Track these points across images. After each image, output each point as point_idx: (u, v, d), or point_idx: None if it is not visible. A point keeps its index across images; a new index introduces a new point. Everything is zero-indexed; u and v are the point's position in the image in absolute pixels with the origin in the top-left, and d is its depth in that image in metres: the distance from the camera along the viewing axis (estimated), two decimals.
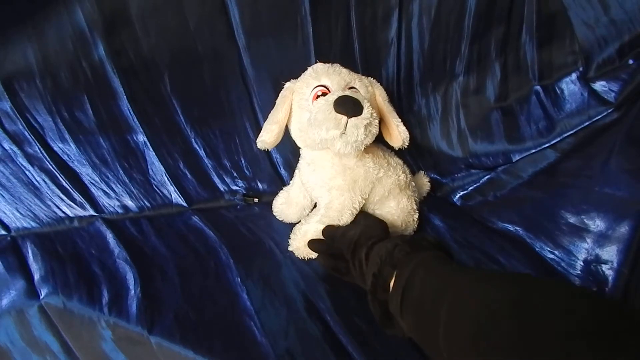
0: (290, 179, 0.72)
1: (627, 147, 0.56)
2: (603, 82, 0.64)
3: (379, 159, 0.60)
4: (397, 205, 0.62)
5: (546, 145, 0.69)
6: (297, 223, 0.63)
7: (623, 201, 0.53)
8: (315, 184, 0.59)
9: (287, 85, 0.58)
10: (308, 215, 0.64)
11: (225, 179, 0.73)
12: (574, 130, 0.66)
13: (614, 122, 0.62)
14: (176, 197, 0.70)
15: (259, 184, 0.75)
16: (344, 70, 0.57)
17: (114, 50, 0.58)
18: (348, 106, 0.50)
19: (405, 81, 0.73)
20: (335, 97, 0.50)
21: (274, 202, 0.70)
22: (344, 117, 0.50)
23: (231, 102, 0.67)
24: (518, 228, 0.64)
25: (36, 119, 0.59)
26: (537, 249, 0.60)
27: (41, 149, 0.61)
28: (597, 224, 0.55)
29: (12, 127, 0.59)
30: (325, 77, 0.55)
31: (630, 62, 0.62)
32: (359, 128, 0.51)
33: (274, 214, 0.70)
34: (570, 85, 0.68)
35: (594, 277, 0.53)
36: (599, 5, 0.62)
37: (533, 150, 0.70)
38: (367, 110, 0.51)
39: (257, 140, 0.58)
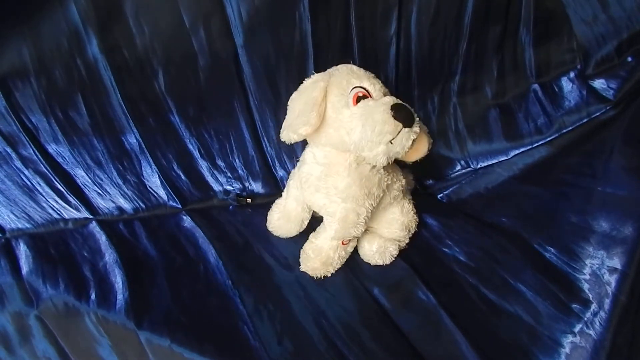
0: (285, 179, 0.71)
1: (626, 146, 0.56)
2: (602, 80, 0.64)
3: (387, 165, 0.57)
4: (401, 211, 0.61)
5: (543, 142, 0.69)
6: (296, 236, 0.62)
7: (625, 201, 0.53)
8: (327, 192, 0.55)
9: (319, 76, 0.54)
10: (316, 230, 0.62)
11: (220, 179, 0.73)
12: (572, 127, 0.66)
13: (613, 120, 0.62)
14: (170, 199, 0.70)
15: (253, 185, 0.74)
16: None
17: (107, 47, 0.57)
18: (406, 114, 0.49)
19: (403, 80, 0.72)
20: (391, 102, 0.49)
21: (270, 217, 0.67)
22: (400, 125, 0.48)
23: (227, 101, 0.67)
24: (514, 223, 0.64)
25: (30, 119, 0.59)
26: (535, 246, 0.59)
27: (35, 151, 0.61)
28: (600, 224, 0.54)
29: (7, 128, 0.59)
30: (366, 80, 0.53)
31: (629, 59, 0.63)
32: (408, 140, 0.49)
33: (271, 230, 0.66)
34: (568, 83, 0.68)
35: (597, 279, 0.52)
36: (598, 2, 0.62)
37: (530, 147, 0.70)
38: (417, 123, 0.50)
39: (291, 133, 0.52)
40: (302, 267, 0.59)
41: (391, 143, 0.49)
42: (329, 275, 0.59)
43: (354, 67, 0.55)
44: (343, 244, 0.59)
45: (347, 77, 0.53)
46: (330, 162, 0.55)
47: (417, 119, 0.50)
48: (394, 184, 0.59)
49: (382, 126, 0.48)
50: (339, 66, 0.56)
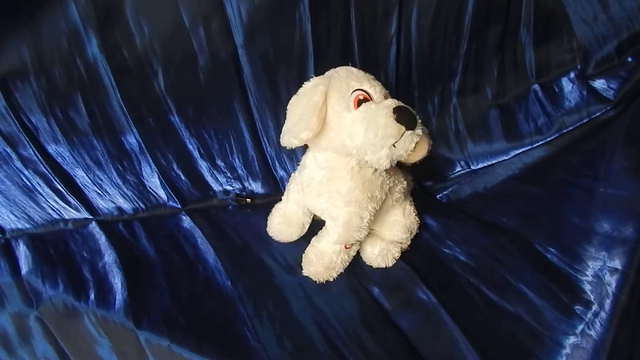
0: (285, 180, 0.71)
1: (627, 146, 0.56)
2: (602, 80, 0.64)
3: (389, 167, 0.56)
4: (402, 213, 0.61)
5: (544, 142, 0.69)
6: (298, 241, 0.62)
7: (627, 201, 0.53)
8: (329, 196, 0.55)
9: (319, 80, 0.53)
10: (317, 234, 0.61)
11: (219, 179, 0.73)
12: (573, 127, 0.66)
13: (614, 120, 0.62)
14: (170, 199, 0.70)
15: (253, 185, 0.74)
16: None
17: (107, 47, 0.57)
18: (409, 117, 0.48)
19: (403, 81, 0.72)
20: (394, 104, 0.49)
21: (270, 222, 0.66)
22: (403, 128, 0.48)
23: (227, 101, 0.67)
24: (514, 223, 0.63)
25: (30, 119, 0.59)
26: (536, 246, 0.59)
27: (35, 151, 0.61)
28: (602, 225, 0.53)
29: (7, 128, 0.59)
30: (366, 82, 0.53)
31: (629, 59, 0.63)
32: (411, 143, 0.49)
33: (271, 235, 0.66)
34: (568, 83, 0.68)
35: (599, 279, 0.52)
36: (598, 2, 0.62)
37: (530, 147, 0.70)
38: (419, 126, 0.49)
39: (292, 139, 0.51)
40: (305, 272, 0.59)
41: (394, 146, 0.49)
42: (332, 279, 0.58)
43: (354, 69, 0.55)
44: (346, 247, 0.58)
45: (347, 79, 0.52)
46: (333, 166, 0.55)
47: (419, 122, 0.50)
48: (395, 187, 0.58)
49: (385, 130, 0.48)
50: (338, 68, 0.56)
